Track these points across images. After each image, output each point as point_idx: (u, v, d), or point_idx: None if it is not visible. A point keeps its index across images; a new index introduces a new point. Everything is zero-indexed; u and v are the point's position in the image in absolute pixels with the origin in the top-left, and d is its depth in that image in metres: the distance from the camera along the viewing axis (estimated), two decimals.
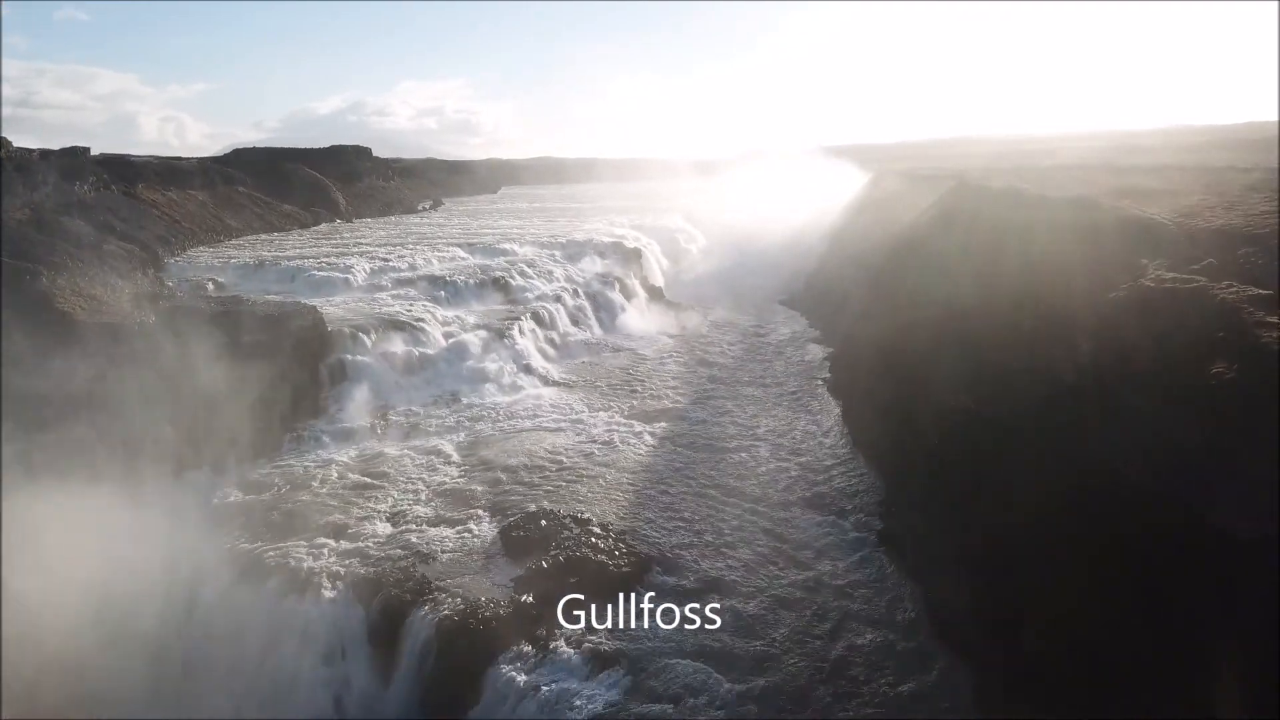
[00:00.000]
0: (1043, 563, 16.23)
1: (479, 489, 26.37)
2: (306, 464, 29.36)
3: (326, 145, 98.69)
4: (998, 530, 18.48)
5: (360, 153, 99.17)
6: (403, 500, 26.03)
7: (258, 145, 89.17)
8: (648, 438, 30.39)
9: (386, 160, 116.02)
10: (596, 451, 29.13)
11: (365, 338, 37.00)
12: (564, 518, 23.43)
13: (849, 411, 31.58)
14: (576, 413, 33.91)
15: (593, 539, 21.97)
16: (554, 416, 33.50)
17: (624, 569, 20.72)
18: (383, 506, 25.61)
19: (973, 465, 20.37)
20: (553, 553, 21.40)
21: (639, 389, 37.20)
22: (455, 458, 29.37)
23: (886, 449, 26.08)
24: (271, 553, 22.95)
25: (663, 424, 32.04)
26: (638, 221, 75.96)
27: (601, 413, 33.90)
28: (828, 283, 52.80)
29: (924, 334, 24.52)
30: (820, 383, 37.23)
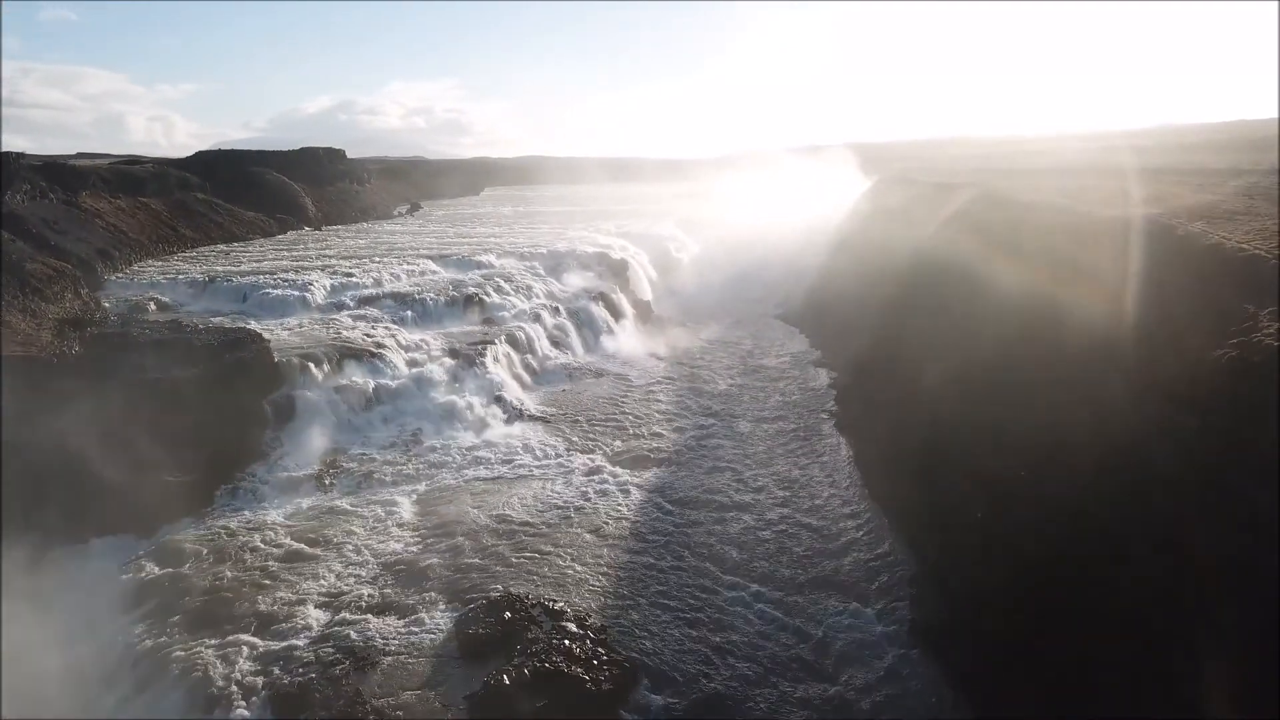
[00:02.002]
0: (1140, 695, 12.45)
1: (435, 561, 22.38)
2: (239, 524, 25.30)
3: (314, 145, 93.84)
4: (1071, 643, 14.73)
5: (333, 155, 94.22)
6: (344, 577, 22.02)
7: (232, 147, 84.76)
8: (634, 491, 26.46)
9: (362, 161, 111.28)
10: (575, 510, 25.18)
11: (317, 369, 32.89)
12: (532, 607, 19.48)
13: (862, 457, 27.78)
14: (554, 456, 29.93)
15: (566, 640, 18.02)
16: (528, 462, 29.52)
17: (604, 684, 16.79)
18: (319, 586, 21.58)
19: (1035, 556, 16.59)
20: (517, 660, 17.44)
21: (625, 425, 33.28)
22: (410, 517, 25.36)
23: (914, 513, 22.27)
24: (179, 653, 18.96)
25: (652, 471, 28.14)
26: (625, 228, 71.97)
27: (582, 456, 29.95)
28: (830, 298, 49.00)
29: (973, 381, 20.73)
30: (826, 416, 33.43)
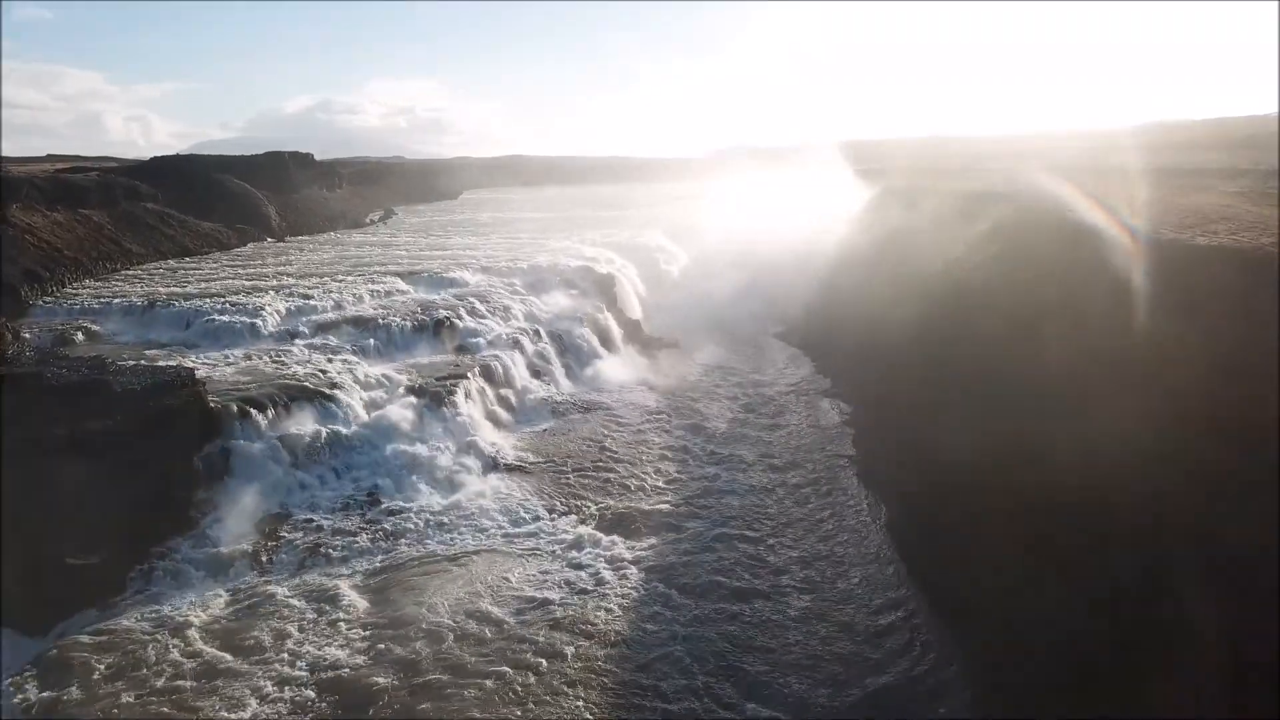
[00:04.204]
0: None
1: (383, 680, 18.03)
2: (151, 622, 20.87)
3: (292, 145, 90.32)
4: None
5: (300, 159, 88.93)
6: (272, 701, 17.66)
7: (208, 150, 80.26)
8: (630, 572, 22.21)
9: (334, 165, 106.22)
10: (558, 602, 20.86)
11: (259, 416, 28.39)
12: None
13: (896, 522, 23.74)
14: (534, 522, 25.65)
15: None
16: (504, 529, 25.22)
17: None
18: (236, 717, 17.21)
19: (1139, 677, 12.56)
20: None
21: (616, 476, 29.01)
22: (359, 609, 21.00)
23: (971, 604, 18.21)
24: None
25: (649, 541, 23.91)
26: (611, 237, 67.75)
27: (567, 519, 25.72)
28: (836, 319, 44.96)
29: (1048, 439, 16.68)
30: (845, 463, 29.38)
